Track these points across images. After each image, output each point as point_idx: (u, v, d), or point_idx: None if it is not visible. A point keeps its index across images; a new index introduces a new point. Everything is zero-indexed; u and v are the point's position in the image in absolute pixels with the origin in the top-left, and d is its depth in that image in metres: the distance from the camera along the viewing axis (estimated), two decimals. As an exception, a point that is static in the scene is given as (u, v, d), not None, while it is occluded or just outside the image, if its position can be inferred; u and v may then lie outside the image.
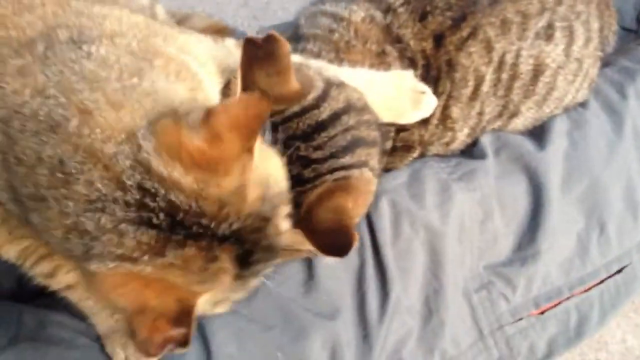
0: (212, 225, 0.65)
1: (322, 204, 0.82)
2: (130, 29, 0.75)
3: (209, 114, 0.63)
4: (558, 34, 1.06)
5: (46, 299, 0.92)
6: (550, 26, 1.05)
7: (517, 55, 1.03)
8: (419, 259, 0.99)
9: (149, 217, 0.64)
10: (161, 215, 0.64)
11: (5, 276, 0.99)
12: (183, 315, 0.65)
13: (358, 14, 1.04)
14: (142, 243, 0.63)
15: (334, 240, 0.80)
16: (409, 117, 1.00)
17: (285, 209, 0.73)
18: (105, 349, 0.89)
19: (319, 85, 0.87)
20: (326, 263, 0.95)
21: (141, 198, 0.63)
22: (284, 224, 0.72)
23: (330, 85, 0.88)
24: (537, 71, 1.05)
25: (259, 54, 0.79)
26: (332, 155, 0.85)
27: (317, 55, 1.03)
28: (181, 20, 1.18)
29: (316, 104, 0.85)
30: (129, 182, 0.63)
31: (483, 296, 1.03)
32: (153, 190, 0.63)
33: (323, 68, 0.96)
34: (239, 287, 0.71)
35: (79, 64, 0.68)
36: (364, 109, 0.91)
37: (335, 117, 0.86)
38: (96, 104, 0.66)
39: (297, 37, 1.10)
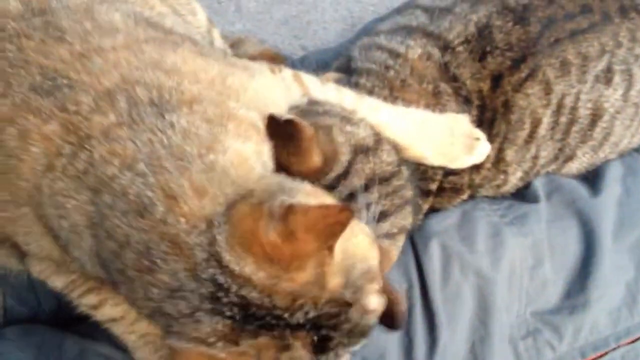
0: (286, 315, 0.64)
1: None
2: (206, 90, 0.75)
3: (288, 211, 0.63)
4: (617, 78, 1.05)
5: (88, 325, 0.91)
6: (609, 69, 1.04)
7: (577, 99, 1.02)
8: (468, 304, 0.98)
9: (222, 309, 0.64)
10: (234, 309, 0.64)
11: (46, 299, 0.99)
12: None
13: (415, 50, 1.03)
14: (217, 330, 0.65)
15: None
16: (461, 162, 0.99)
17: (375, 285, 0.71)
18: (148, 385, 0.88)
19: (343, 160, 0.87)
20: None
21: (215, 291, 0.64)
22: (374, 300, 0.71)
23: (358, 153, 0.88)
24: (596, 115, 1.04)
25: (280, 132, 0.79)
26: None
27: (370, 92, 1.02)
28: (234, 45, 1.17)
29: (335, 184, 0.85)
30: (203, 276, 0.64)
31: (529, 344, 1.01)
32: (226, 285, 0.64)
33: (375, 107, 0.95)
34: None
35: (166, 136, 0.68)
36: (393, 175, 0.91)
37: (352, 197, 0.86)
38: (181, 189, 0.66)
39: (350, 69, 1.09)
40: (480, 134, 1.00)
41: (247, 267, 0.64)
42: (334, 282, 0.66)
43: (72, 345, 0.91)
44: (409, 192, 0.94)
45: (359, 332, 0.70)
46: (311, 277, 0.64)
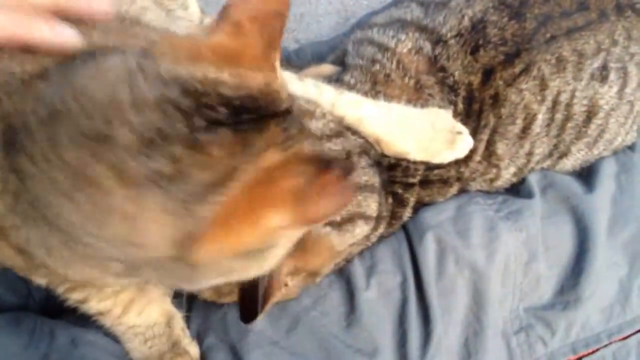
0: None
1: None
2: None
3: (225, 7, 0.57)
4: (612, 76, 1.06)
5: (79, 315, 0.91)
6: (604, 67, 1.06)
7: (572, 96, 1.04)
8: (462, 299, 0.99)
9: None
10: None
11: (37, 288, 0.98)
12: None
13: (405, 44, 1.04)
14: None
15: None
16: (443, 157, 1.00)
17: None
18: (141, 375, 0.89)
19: None
20: (367, 297, 0.95)
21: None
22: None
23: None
24: (591, 113, 1.06)
25: None
26: None
27: (352, 87, 1.03)
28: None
29: None
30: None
31: (522, 339, 1.02)
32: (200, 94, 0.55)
33: (355, 103, 0.97)
34: None
35: None
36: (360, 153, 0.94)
37: None
38: None
39: (345, 64, 1.10)
40: (462, 128, 1.00)
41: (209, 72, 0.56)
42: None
43: (64, 333, 0.91)
44: (366, 179, 0.94)
45: None
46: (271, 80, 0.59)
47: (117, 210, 0.54)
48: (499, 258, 1.00)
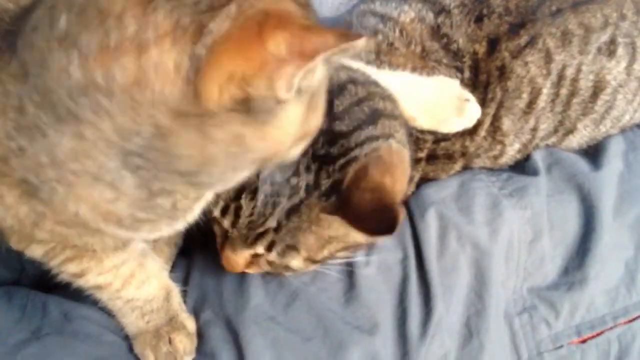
0: None
1: (360, 186, 0.80)
2: None
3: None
4: (620, 51, 1.05)
5: (72, 290, 0.91)
6: (612, 42, 1.04)
7: (578, 70, 1.02)
8: (464, 277, 0.97)
9: None
10: None
11: (30, 262, 0.98)
12: None
13: (408, 14, 1.03)
14: None
15: (379, 222, 0.79)
16: (451, 125, 0.99)
17: None
18: (134, 350, 0.88)
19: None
20: (367, 274, 0.94)
21: None
22: None
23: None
24: (597, 88, 1.04)
25: None
26: (356, 128, 0.84)
27: (357, 56, 1.02)
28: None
29: None
30: None
31: (524, 320, 1.01)
32: None
33: (359, 70, 0.95)
34: None
35: None
36: (369, 82, 0.91)
37: (342, 87, 0.86)
38: None
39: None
40: (470, 95, 0.99)
41: None
42: None
43: (56, 309, 0.90)
44: (394, 106, 0.93)
45: None
46: None
47: (126, 41, 0.52)
48: (503, 235, 0.99)
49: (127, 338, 0.90)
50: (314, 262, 0.88)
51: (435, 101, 0.98)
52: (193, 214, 0.71)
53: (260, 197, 0.82)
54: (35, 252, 0.80)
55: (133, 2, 0.52)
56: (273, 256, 0.86)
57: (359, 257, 0.94)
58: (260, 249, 0.86)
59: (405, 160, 0.89)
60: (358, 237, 0.84)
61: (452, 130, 1.00)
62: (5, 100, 0.61)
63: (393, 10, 1.05)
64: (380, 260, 0.95)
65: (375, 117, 0.86)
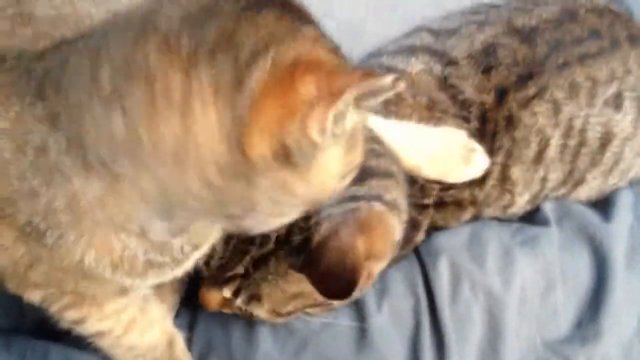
0: None
1: (327, 245, 0.78)
2: None
3: None
4: (627, 104, 1.06)
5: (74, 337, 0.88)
6: (618, 95, 1.06)
7: (586, 122, 1.03)
8: (478, 326, 0.96)
9: None
10: None
11: (30, 309, 0.95)
12: None
13: (415, 66, 1.05)
14: None
15: (334, 283, 0.77)
16: (458, 174, 0.98)
17: None
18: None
19: None
20: (379, 322, 0.93)
21: None
22: None
23: None
24: (605, 140, 1.05)
25: None
26: None
27: None
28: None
29: None
30: None
31: None
32: None
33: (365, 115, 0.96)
34: None
35: None
36: (369, 139, 0.89)
37: None
38: None
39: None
40: (477, 145, 0.99)
41: None
42: None
43: (58, 356, 0.88)
44: (390, 165, 0.92)
45: None
46: None
47: (172, 102, 0.53)
48: (516, 284, 0.98)
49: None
50: (279, 314, 0.87)
51: (442, 151, 0.98)
52: (191, 260, 0.70)
53: (233, 241, 0.82)
54: (33, 297, 0.77)
55: (177, 63, 0.53)
56: (239, 302, 0.85)
57: (370, 304, 0.92)
58: (227, 292, 0.85)
59: (387, 222, 0.87)
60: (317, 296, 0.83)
61: (459, 181, 0.99)
62: (26, 139, 0.60)
63: (400, 63, 1.06)
64: (392, 307, 0.93)
65: (364, 176, 0.84)
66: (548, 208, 1.07)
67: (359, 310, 0.93)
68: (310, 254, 0.79)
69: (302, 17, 0.56)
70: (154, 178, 0.55)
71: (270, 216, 0.60)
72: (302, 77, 0.52)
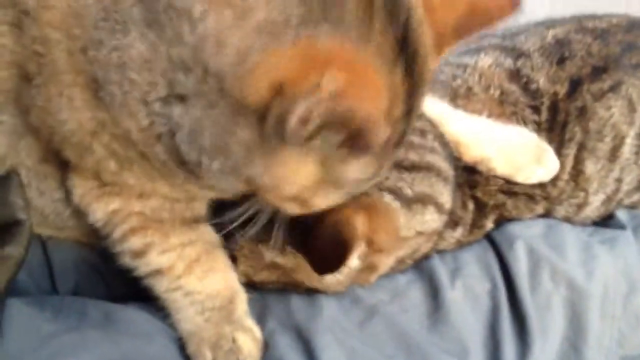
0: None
1: (325, 217, 0.73)
2: None
3: None
4: None
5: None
6: None
7: None
8: (559, 321, 0.88)
9: None
10: None
11: (63, 279, 0.89)
12: None
13: (485, 61, 1.03)
14: None
15: (324, 254, 0.73)
16: (528, 172, 0.94)
17: None
18: (187, 349, 0.77)
19: None
20: (453, 297, 0.85)
21: None
22: None
23: None
24: None
25: None
26: None
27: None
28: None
29: None
30: None
31: None
32: None
33: (434, 102, 0.94)
34: None
35: None
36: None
37: None
38: None
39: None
40: (548, 147, 0.95)
41: None
42: None
43: (97, 310, 0.79)
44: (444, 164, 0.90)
45: None
46: None
47: None
48: (599, 278, 0.91)
49: (177, 341, 0.77)
50: (251, 281, 0.83)
51: (514, 145, 0.94)
52: None
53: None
54: (97, 213, 0.74)
55: None
56: None
57: (444, 280, 0.86)
58: None
59: (392, 216, 0.83)
60: (304, 276, 0.81)
61: (528, 181, 0.95)
62: None
63: (469, 59, 1.05)
64: (467, 288, 0.86)
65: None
66: (623, 215, 1.02)
67: (431, 285, 0.85)
68: (305, 226, 0.75)
69: None
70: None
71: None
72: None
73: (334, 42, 0.56)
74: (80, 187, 0.73)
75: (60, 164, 0.73)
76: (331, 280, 0.80)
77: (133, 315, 0.79)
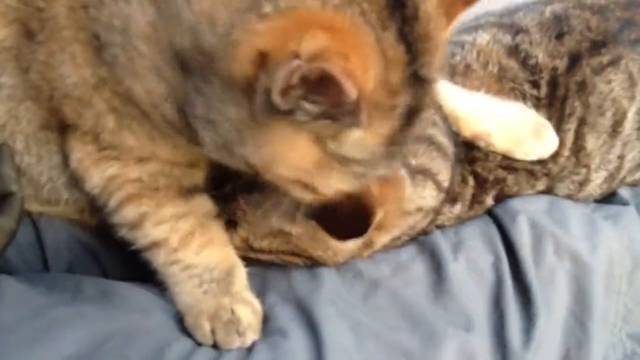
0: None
1: None
2: None
3: None
4: None
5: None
6: None
7: None
8: (563, 295, 0.87)
9: None
10: None
11: (56, 259, 0.87)
12: None
13: (483, 37, 1.02)
14: None
15: (346, 221, 0.72)
16: (528, 147, 0.93)
17: None
18: (185, 323, 0.75)
19: None
20: (456, 269, 0.84)
21: None
22: None
23: None
24: None
25: None
26: None
27: None
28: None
29: None
30: None
31: None
32: None
33: None
34: None
35: None
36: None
37: None
38: None
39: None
40: (546, 122, 0.94)
41: None
42: None
43: (92, 286, 0.77)
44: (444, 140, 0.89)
45: None
46: None
47: None
48: (603, 253, 0.89)
49: (175, 316, 0.76)
50: (250, 247, 0.82)
51: (513, 119, 0.93)
52: None
53: None
54: (93, 179, 0.73)
55: None
56: None
57: (446, 253, 0.84)
58: None
59: (402, 191, 0.82)
60: (309, 245, 0.80)
61: (528, 157, 0.94)
62: None
63: (468, 36, 1.04)
64: (470, 261, 0.85)
65: None
66: (625, 192, 1.01)
67: (434, 259, 0.84)
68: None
69: None
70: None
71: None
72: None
73: (313, 6, 0.55)
74: (79, 151, 0.73)
75: (60, 129, 0.73)
76: (342, 248, 0.79)
77: (130, 292, 0.77)
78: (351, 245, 0.80)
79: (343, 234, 0.74)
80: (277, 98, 0.53)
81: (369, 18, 0.56)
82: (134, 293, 0.77)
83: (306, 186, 0.63)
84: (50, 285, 0.77)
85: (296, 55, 0.51)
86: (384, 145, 0.61)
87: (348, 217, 0.71)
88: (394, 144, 0.61)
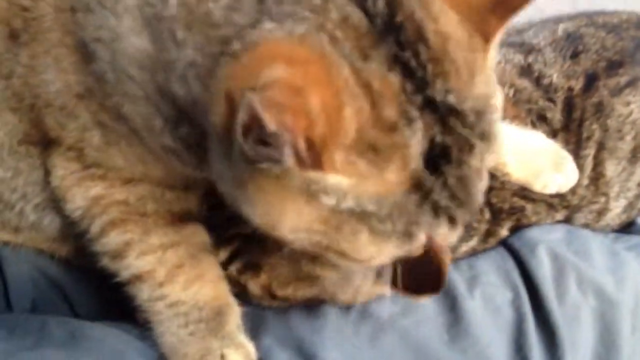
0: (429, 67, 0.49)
1: None
2: None
3: None
4: None
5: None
6: None
7: None
8: (588, 335, 0.80)
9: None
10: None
11: (20, 297, 0.78)
12: None
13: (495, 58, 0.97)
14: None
15: (422, 279, 0.63)
16: (546, 179, 0.86)
17: None
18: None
19: None
20: (473, 308, 0.76)
21: None
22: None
23: None
24: None
25: None
26: None
27: None
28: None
29: None
30: None
31: None
32: None
33: None
34: None
35: None
36: None
37: None
38: None
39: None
40: (567, 154, 0.88)
41: None
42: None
43: (59, 327, 0.69)
44: None
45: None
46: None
47: None
48: (630, 287, 0.83)
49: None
50: (271, 295, 0.74)
51: (532, 149, 0.87)
52: None
53: None
54: (76, 198, 0.68)
55: None
56: (232, 269, 0.74)
57: (461, 289, 0.77)
58: (223, 255, 0.74)
59: None
60: (340, 289, 0.72)
61: (547, 190, 0.87)
62: None
63: None
64: (486, 298, 0.78)
65: None
66: (645, 222, 0.95)
67: (448, 296, 0.76)
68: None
69: None
70: None
71: None
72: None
73: (278, 38, 0.49)
74: (62, 169, 0.68)
75: (43, 144, 0.68)
76: (372, 291, 0.72)
77: (102, 334, 0.69)
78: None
79: (422, 291, 0.65)
80: (243, 144, 0.45)
81: (341, 47, 0.48)
82: (107, 335, 0.69)
83: (333, 250, 0.54)
84: (11, 328, 0.69)
85: (253, 89, 0.44)
86: (409, 194, 0.51)
87: (420, 274, 0.62)
88: (424, 190, 0.51)
